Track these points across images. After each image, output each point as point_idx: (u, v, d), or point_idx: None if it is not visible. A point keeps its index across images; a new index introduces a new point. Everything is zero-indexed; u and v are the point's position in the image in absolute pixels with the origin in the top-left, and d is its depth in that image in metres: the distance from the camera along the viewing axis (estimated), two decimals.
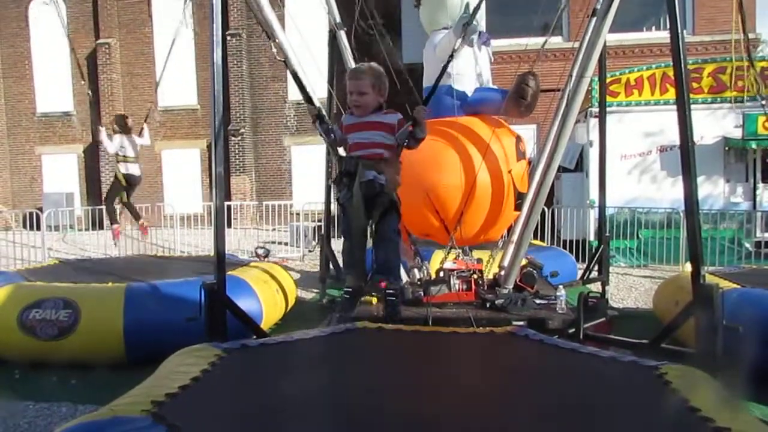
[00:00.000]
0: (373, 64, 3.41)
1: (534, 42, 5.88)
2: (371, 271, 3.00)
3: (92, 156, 21.21)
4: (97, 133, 9.29)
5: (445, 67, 4.79)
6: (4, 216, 19.64)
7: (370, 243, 3.13)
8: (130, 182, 9.35)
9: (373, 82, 3.13)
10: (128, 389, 3.19)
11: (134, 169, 9.20)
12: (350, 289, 3.03)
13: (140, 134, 9.52)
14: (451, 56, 4.69)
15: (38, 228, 13.30)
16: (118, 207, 9.85)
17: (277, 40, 4.26)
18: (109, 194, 9.59)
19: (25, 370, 5.67)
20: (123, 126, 9.16)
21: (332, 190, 8.70)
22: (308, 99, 4.04)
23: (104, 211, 9.87)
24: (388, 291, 2.99)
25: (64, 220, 16.30)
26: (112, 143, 9.06)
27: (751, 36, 11.83)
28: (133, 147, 9.19)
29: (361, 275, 2.97)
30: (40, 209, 15.17)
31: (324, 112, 3.48)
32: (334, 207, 8.27)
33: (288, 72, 5.63)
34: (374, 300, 3.75)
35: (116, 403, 2.88)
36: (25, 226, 14.24)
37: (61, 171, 21.52)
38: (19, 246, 12.91)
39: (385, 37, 6.85)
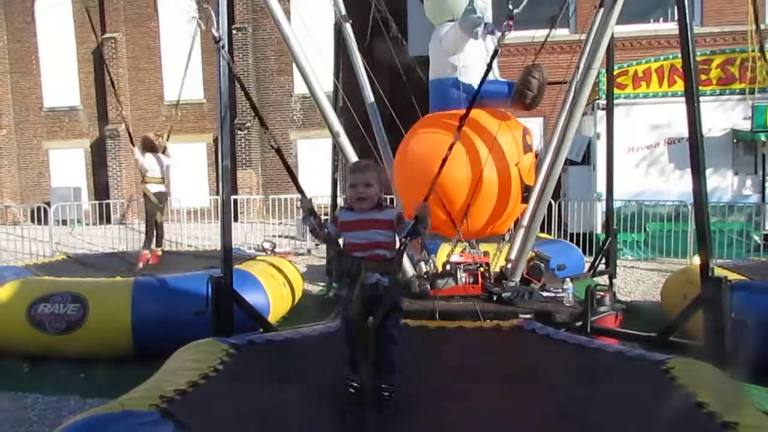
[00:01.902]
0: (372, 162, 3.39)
1: (541, 34, 5.84)
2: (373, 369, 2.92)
3: (99, 151, 21.27)
4: (132, 153, 9.24)
5: (489, 67, 4.75)
6: (12, 211, 19.72)
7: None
8: (162, 200, 9.35)
9: (377, 176, 3.07)
10: (136, 383, 3.20)
11: (161, 188, 9.20)
12: (357, 386, 2.97)
13: (164, 151, 9.47)
14: (495, 54, 4.65)
15: (46, 222, 13.36)
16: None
17: (271, 132, 4.27)
18: (148, 217, 9.46)
19: (34, 363, 5.70)
20: (150, 147, 9.15)
21: (338, 183, 8.71)
22: (302, 192, 4.02)
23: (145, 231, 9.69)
24: (383, 388, 2.93)
25: (71, 215, 16.34)
26: (146, 161, 9.05)
27: (762, 27, 11.72)
28: (160, 167, 9.18)
29: (368, 377, 2.89)
30: (48, 204, 15.24)
31: (315, 208, 3.38)
32: (340, 201, 8.26)
33: (294, 66, 5.65)
34: None
35: (126, 397, 2.90)
36: (32, 221, 14.31)
37: (68, 166, 21.57)
38: (27, 240, 12.98)
39: (392, 33, 6.85)
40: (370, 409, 2.89)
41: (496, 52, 4.84)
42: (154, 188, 9.02)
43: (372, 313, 2.84)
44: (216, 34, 4.45)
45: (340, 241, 3.18)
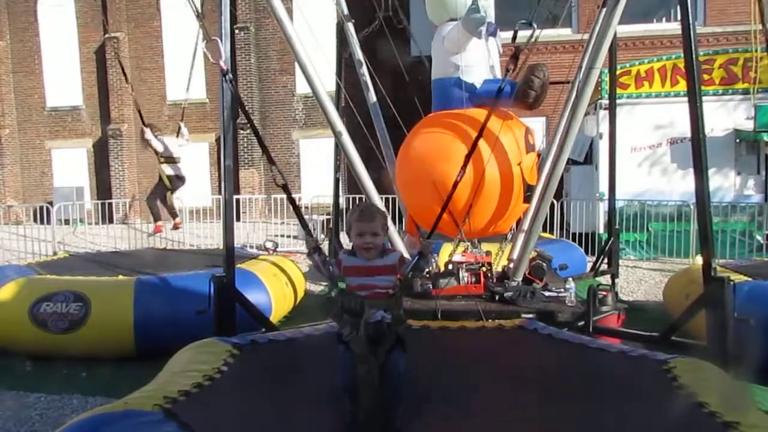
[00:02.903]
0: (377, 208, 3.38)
1: (544, 34, 5.83)
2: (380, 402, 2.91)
3: (102, 150, 21.29)
4: (143, 134, 9.30)
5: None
6: (14, 210, 19.74)
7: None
8: (175, 184, 9.42)
9: (382, 224, 3.07)
10: (138, 382, 3.21)
11: (179, 171, 9.28)
12: (356, 416, 2.94)
13: (178, 135, 9.57)
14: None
15: (48, 222, 13.38)
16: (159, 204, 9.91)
17: (278, 167, 4.23)
18: (152, 194, 9.65)
19: (36, 362, 5.71)
20: (157, 129, 9.28)
21: (340, 183, 8.71)
22: (307, 231, 4.01)
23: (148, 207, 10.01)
24: (388, 417, 2.91)
25: (74, 214, 16.36)
26: (159, 142, 9.12)
27: None
28: (174, 148, 9.27)
29: (370, 408, 2.88)
30: (51, 203, 15.26)
31: (320, 246, 3.37)
32: (342, 200, 8.27)
33: (297, 65, 5.65)
34: None
35: (130, 397, 2.91)
36: (35, 220, 14.33)
37: (70, 165, 21.60)
38: (30, 240, 13.00)
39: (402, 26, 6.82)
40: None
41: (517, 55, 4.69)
42: (168, 170, 9.11)
43: (376, 349, 2.82)
44: (224, 67, 4.46)
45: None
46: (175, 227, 10.36)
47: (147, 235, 13.71)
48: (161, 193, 9.47)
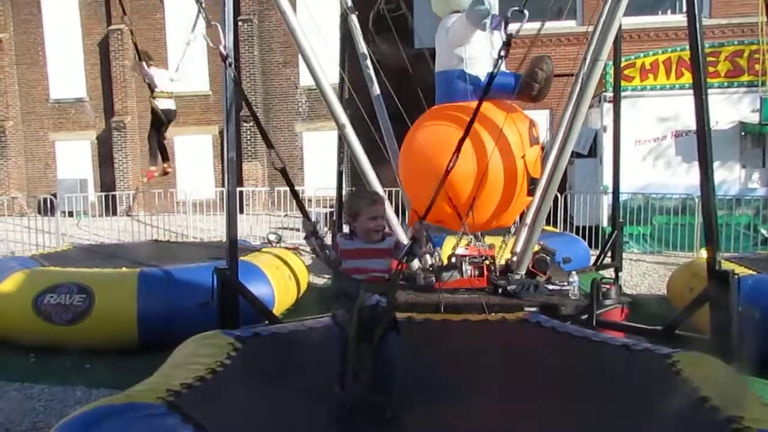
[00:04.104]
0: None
1: (548, 26, 5.80)
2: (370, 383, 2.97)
3: (105, 143, 21.29)
4: (138, 67, 9.33)
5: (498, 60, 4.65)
6: (18, 202, 19.79)
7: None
8: (169, 116, 9.43)
9: (385, 208, 3.15)
10: (141, 374, 3.22)
11: (170, 104, 9.31)
12: (345, 403, 2.98)
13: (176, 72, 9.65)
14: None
15: (52, 214, 13.40)
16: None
17: (276, 152, 4.22)
18: (151, 130, 9.71)
19: (40, 354, 5.73)
20: (151, 59, 9.29)
21: (343, 176, 8.69)
22: (304, 214, 4.05)
23: (148, 147, 10.09)
24: (377, 402, 2.94)
25: (77, 206, 16.40)
26: (153, 73, 9.14)
27: None
28: (165, 82, 9.30)
29: (358, 389, 2.94)
30: (55, 195, 15.28)
31: (318, 229, 3.43)
32: (345, 193, 8.25)
33: (300, 58, 5.63)
34: None
35: (133, 389, 2.91)
36: (39, 212, 14.33)
37: (74, 157, 21.59)
38: (34, 231, 13.02)
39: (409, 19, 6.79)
40: (362, 420, 2.92)
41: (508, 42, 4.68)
42: (162, 104, 9.12)
43: (370, 332, 2.90)
44: (224, 52, 4.44)
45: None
46: (165, 173, 10.25)
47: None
48: (157, 127, 9.50)
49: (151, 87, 9.17)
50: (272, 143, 4.45)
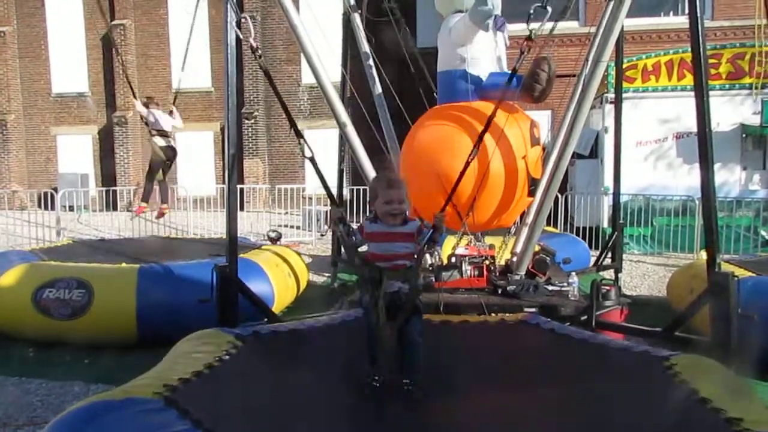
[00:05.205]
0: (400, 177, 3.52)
1: (549, 27, 5.78)
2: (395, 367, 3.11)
3: (107, 137, 21.29)
4: (134, 105, 9.40)
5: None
6: (19, 196, 19.80)
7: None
8: (169, 155, 9.42)
9: (406, 192, 3.20)
10: (140, 369, 3.21)
11: (171, 143, 9.33)
12: (378, 381, 3.08)
13: (171, 116, 9.61)
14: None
15: (53, 208, 13.40)
16: (156, 186, 9.94)
17: (306, 141, 4.44)
18: (150, 172, 9.70)
19: (38, 348, 5.74)
20: (151, 104, 9.31)
21: (344, 174, 8.70)
22: (333, 201, 4.11)
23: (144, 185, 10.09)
24: (405, 383, 3.08)
25: (78, 201, 16.39)
26: (148, 113, 9.16)
27: None
28: (165, 122, 9.30)
29: (387, 368, 3.07)
30: (55, 189, 15.28)
31: (344, 216, 3.54)
32: (346, 192, 8.26)
33: (302, 55, 5.63)
34: None
35: (130, 384, 2.91)
36: (39, 206, 14.35)
37: (76, 152, 21.60)
38: (34, 225, 13.03)
39: (401, 21, 6.80)
40: (390, 402, 3.03)
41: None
42: (161, 142, 9.13)
43: (394, 318, 3.04)
44: (254, 44, 4.65)
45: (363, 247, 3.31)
46: (161, 214, 10.26)
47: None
48: (158, 168, 9.49)
49: (151, 128, 9.20)
50: (301, 133, 4.60)
